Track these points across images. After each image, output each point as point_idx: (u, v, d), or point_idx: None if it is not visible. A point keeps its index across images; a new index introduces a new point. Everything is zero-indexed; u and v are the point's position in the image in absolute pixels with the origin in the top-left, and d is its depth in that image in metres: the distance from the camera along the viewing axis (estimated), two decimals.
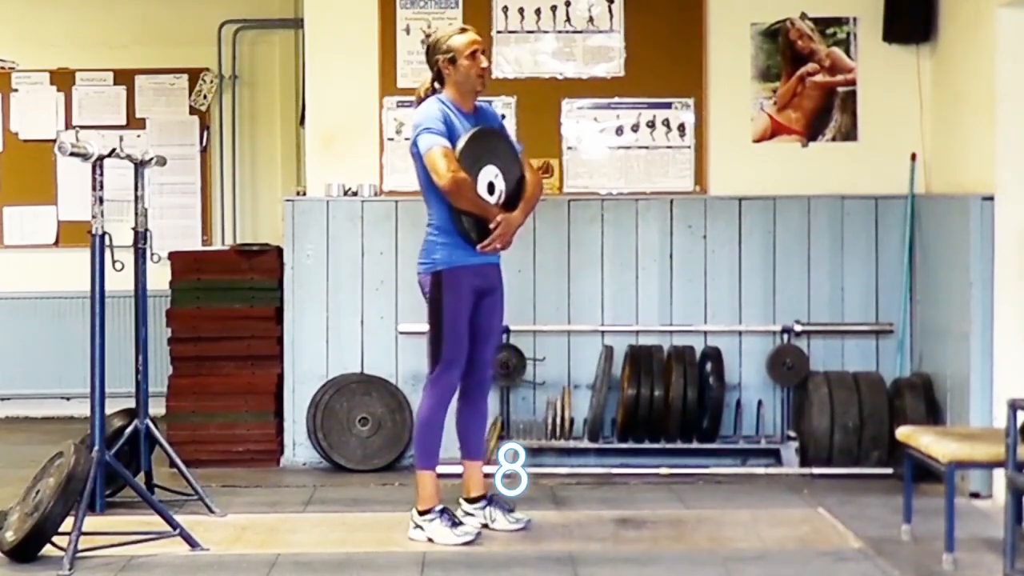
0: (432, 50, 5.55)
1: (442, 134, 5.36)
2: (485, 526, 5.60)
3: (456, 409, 5.69)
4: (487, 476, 5.86)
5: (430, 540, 5.41)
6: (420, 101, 5.56)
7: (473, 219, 5.42)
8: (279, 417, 7.08)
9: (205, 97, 8.75)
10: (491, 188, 5.47)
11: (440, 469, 6.14)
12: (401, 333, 6.99)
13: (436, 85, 5.57)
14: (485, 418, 5.75)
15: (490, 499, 5.69)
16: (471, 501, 5.67)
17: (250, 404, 7.08)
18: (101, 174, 5.40)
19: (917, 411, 6.46)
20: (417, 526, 5.48)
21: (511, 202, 5.52)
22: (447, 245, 5.45)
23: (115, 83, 8.77)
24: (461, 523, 5.49)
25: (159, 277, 6.99)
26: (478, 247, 5.43)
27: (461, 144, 5.39)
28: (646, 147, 7.13)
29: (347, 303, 7.03)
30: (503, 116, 6.13)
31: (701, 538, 5.54)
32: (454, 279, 5.44)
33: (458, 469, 5.77)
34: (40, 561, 5.09)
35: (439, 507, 5.48)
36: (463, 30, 5.59)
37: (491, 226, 5.43)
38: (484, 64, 5.53)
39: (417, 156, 5.44)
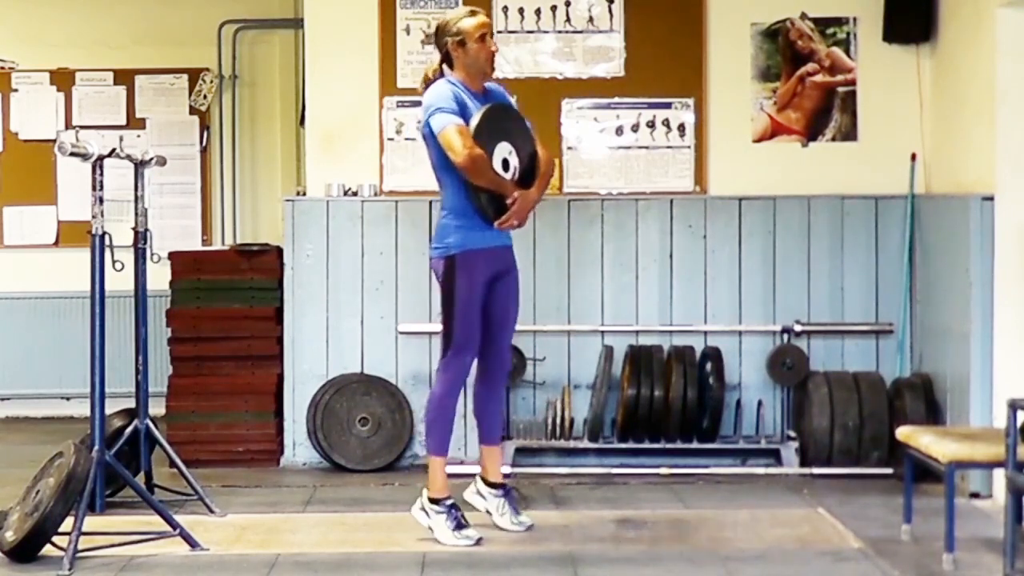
0: (441, 32, 5.52)
1: (455, 112, 5.32)
2: (489, 512, 5.61)
3: (474, 392, 5.70)
4: (505, 476, 5.86)
5: (430, 529, 5.41)
6: (428, 83, 5.52)
7: (489, 196, 5.38)
8: (279, 417, 7.08)
9: (205, 97, 8.75)
10: (505, 165, 5.45)
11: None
12: (401, 333, 6.99)
13: (444, 67, 5.53)
14: (502, 402, 5.79)
15: (507, 491, 5.66)
16: (489, 485, 5.65)
17: (250, 404, 7.07)
18: (101, 174, 5.40)
19: (917, 411, 6.46)
20: (423, 509, 5.46)
21: (525, 178, 5.51)
22: (461, 228, 5.41)
23: (115, 83, 8.77)
24: (465, 526, 5.43)
25: (159, 277, 6.99)
26: (496, 223, 5.41)
27: (475, 122, 5.34)
28: (646, 147, 7.13)
29: (347, 303, 7.03)
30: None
31: (701, 538, 5.54)
32: (468, 263, 5.40)
33: (460, 469, 5.78)
34: (40, 561, 5.08)
35: (449, 502, 5.44)
36: (472, 12, 5.55)
37: (508, 202, 5.39)
38: (493, 48, 5.51)
39: (430, 137, 5.39)
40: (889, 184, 7.02)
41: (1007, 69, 6.08)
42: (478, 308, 5.44)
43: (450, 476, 5.57)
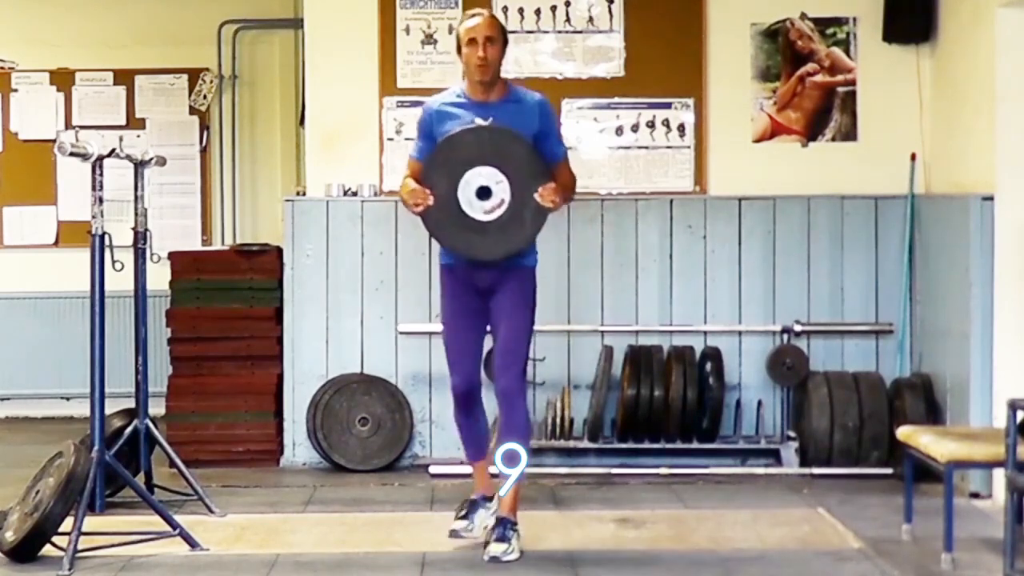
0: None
1: (417, 147, 5.26)
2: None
3: None
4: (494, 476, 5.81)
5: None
6: None
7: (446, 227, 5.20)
8: (279, 417, 7.08)
9: (205, 97, 8.75)
10: (485, 192, 5.12)
11: (438, 469, 6.21)
12: (401, 333, 6.99)
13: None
14: (507, 430, 5.24)
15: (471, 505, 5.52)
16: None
17: (250, 404, 7.07)
18: (101, 174, 5.40)
19: (917, 411, 6.46)
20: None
21: (517, 212, 5.14)
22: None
23: (115, 83, 8.77)
24: (464, 518, 5.41)
25: (159, 277, 6.99)
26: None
27: (431, 156, 5.17)
28: (646, 147, 7.13)
29: (347, 303, 7.03)
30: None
31: (701, 538, 5.54)
32: (442, 276, 5.37)
33: (458, 470, 5.78)
34: (40, 561, 5.09)
35: (468, 499, 5.49)
36: (472, 15, 5.22)
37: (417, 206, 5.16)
38: (480, 54, 5.08)
39: None
40: (889, 184, 7.02)
41: (1007, 69, 6.08)
42: (456, 328, 5.33)
43: (455, 475, 5.60)
